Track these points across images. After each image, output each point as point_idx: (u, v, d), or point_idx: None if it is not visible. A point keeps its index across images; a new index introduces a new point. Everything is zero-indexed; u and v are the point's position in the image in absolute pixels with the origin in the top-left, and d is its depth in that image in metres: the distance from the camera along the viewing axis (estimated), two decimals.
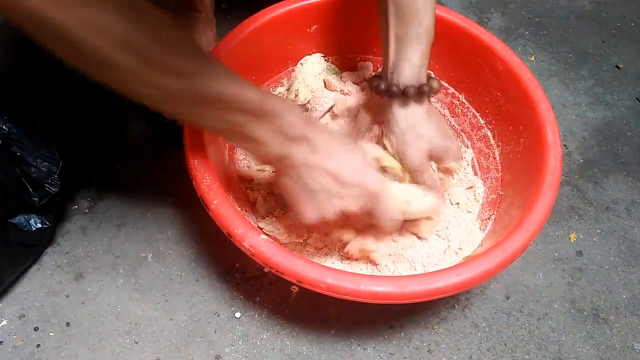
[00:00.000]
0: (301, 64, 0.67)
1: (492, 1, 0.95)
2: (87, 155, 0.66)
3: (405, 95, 0.48)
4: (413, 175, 0.52)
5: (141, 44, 0.32)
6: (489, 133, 0.62)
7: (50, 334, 0.55)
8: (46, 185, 0.56)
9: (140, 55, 0.32)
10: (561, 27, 0.92)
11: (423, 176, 0.51)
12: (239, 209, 0.48)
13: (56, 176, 0.56)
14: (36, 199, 0.55)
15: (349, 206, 0.44)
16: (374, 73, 0.68)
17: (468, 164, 0.64)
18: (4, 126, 0.54)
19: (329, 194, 0.43)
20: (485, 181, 0.62)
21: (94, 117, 0.71)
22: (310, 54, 0.67)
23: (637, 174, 0.73)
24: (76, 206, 0.64)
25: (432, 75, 0.50)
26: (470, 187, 0.61)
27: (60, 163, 0.57)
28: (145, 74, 0.33)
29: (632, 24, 0.93)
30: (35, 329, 0.55)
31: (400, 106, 0.49)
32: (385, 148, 0.53)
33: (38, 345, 0.54)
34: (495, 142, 0.61)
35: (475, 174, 0.63)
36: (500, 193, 0.58)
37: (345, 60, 0.70)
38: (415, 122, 0.50)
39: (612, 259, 0.64)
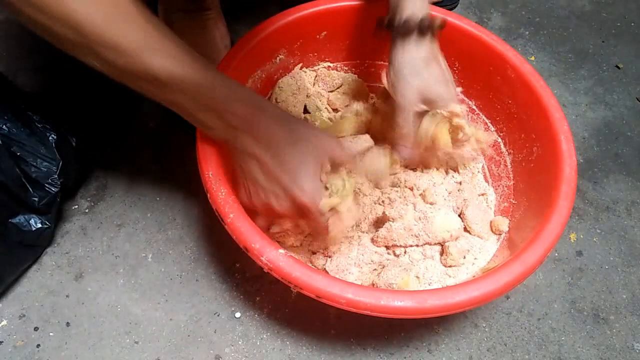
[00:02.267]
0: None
1: (492, 1, 0.95)
2: (87, 155, 0.66)
3: (406, 28, 0.48)
4: (398, 111, 0.51)
5: (78, 19, 0.33)
6: (499, 140, 0.62)
7: (50, 334, 0.55)
8: (46, 185, 0.56)
9: (78, 30, 0.33)
10: (561, 27, 0.92)
11: (408, 115, 0.50)
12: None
13: (56, 176, 0.56)
14: (36, 199, 0.55)
15: (273, 204, 0.43)
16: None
17: (479, 171, 0.63)
18: (4, 126, 0.54)
19: (258, 185, 0.43)
20: (496, 189, 0.61)
21: (94, 117, 0.72)
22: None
23: (637, 174, 0.73)
24: (76, 206, 0.64)
25: (437, 18, 0.50)
26: (482, 194, 0.60)
27: (60, 163, 0.57)
28: (85, 47, 0.35)
29: (632, 24, 0.93)
30: (35, 329, 0.55)
31: (402, 40, 0.50)
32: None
33: (38, 345, 0.54)
34: (507, 150, 0.61)
35: (486, 181, 0.63)
36: (513, 202, 0.57)
37: (353, 66, 0.69)
38: (415, 59, 0.50)
39: (612, 259, 0.64)
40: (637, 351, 0.57)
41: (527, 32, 0.90)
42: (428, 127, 0.52)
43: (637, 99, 0.82)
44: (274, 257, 0.41)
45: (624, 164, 0.74)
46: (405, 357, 0.55)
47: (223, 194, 0.44)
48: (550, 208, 0.47)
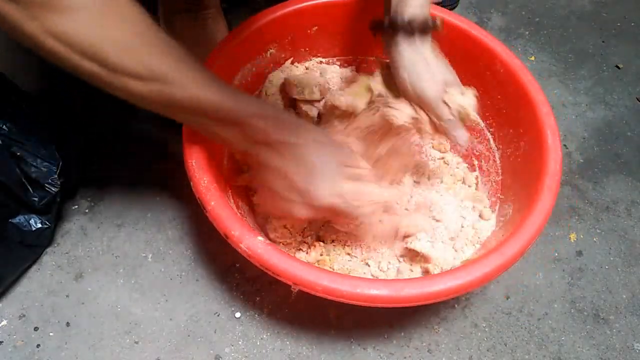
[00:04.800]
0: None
1: (492, 1, 0.95)
2: (87, 155, 0.66)
3: (411, 28, 0.48)
4: (433, 111, 0.50)
5: (102, 52, 0.34)
6: (489, 135, 0.62)
7: (50, 334, 0.55)
8: (46, 185, 0.56)
9: (102, 63, 0.34)
10: (561, 27, 0.92)
11: (443, 110, 0.49)
12: (237, 210, 0.48)
13: (56, 176, 0.56)
14: (36, 199, 0.55)
15: (294, 212, 0.44)
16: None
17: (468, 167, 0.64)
18: (4, 126, 0.54)
19: (276, 195, 0.44)
20: (485, 184, 0.62)
21: (94, 117, 0.72)
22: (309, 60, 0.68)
23: (637, 174, 0.73)
24: (76, 206, 0.64)
25: (437, 18, 0.50)
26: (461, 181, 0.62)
27: (60, 163, 0.57)
28: (110, 78, 0.36)
29: (632, 24, 0.93)
30: (35, 329, 0.55)
31: (407, 39, 0.49)
32: (392, 91, 0.52)
33: (38, 345, 0.54)
34: (496, 145, 0.61)
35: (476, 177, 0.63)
36: (500, 197, 0.58)
37: (345, 61, 0.69)
38: (425, 56, 0.49)
39: (612, 259, 0.64)
40: (637, 351, 0.57)
41: (527, 32, 0.90)
42: (462, 102, 0.50)
43: (637, 99, 0.82)
44: (253, 244, 0.42)
45: (624, 164, 0.74)
46: (405, 357, 0.55)
47: (205, 182, 0.45)
48: (533, 201, 0.47)
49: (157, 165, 0.68)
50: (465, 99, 0.49)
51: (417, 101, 0.50)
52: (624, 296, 0.61)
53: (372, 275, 0.54)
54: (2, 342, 0.54)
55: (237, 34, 0.57)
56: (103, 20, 0.33)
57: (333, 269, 0.54)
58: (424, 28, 0.48)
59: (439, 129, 0.51)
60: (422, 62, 0.49)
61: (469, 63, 0.61)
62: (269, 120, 0.42)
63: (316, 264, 0.53)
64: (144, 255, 0.61)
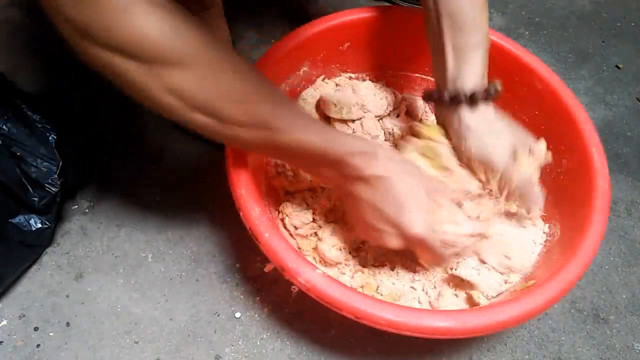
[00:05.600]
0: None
1: (492, 1, 0.95)
2: (87, 155, 0.66)
3: (475, 100, 0.47)
4: (502, 178, 0.49)
5: (217, 106, 0.36)
6: None
7: (50, 334, 0.55)
8: (46, 185, 0.56)
9: (215, 116, 0.37)
10: (561, 27, 0.92)
11: (514, 175, 0.48)
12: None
13: (56, 176, 0.56)
14: (36, 199, 0.55)
15: (387, 243, 0.44)
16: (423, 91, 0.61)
17: None
18: (4, 126, 0.54)
19: (369, 226, 0.44)
20: None
21: (95, 117, 0.72)
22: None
23: (637, 174, 0.73)
24: (76, 206, 0.64)
25: (496, 82, 0.49)
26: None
27: (60, 163, 0.57)
28: (221, 128, 0.38)
29: (632, 24, 0.93)
30: (35, 329, 0.55)
31: (469, 111, 0.48)
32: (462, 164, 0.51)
33: (38, 345, 0.54)
34: None
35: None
36: (542, 214, 0.56)
37: (375, 76, 0.69)
38: (490, 122, 0.48)
39: (612, 259, 0.64)
40: (637, 351, 0.57)
41: (527, 32, 0.90)
42: (529, 171, 0.49)
43: (637, 99, 0.82)
44: (311, 277, 0.41)
45: (624, 164, 0.74)
46: (405, 357, 0.55)
47: (257, 212, 0.44)
48: (586, 223, 0.46)
49: (157, 165, 0.68)
50: (533, 162, 0.49)
51: (485, 169, 0.49)
52: (624, 296, 0.61)
53: (420, 302, 0.53)
54: (2, 342, 0.54)
55: (272, 55, 0.56)
56: (215, 74, 0.35)
57: (382, 295, 0.52)
58: (487, 97, 0.48)
59: (509, 196, 0.50)
60: (487, 130, 0.48)
61: (504, 78, 0.59)
62: (363, 156, 0.42)
63: (360, 289, 0.52)
64: (144, 255, 0.61)
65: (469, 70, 0.48)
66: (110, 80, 0.34)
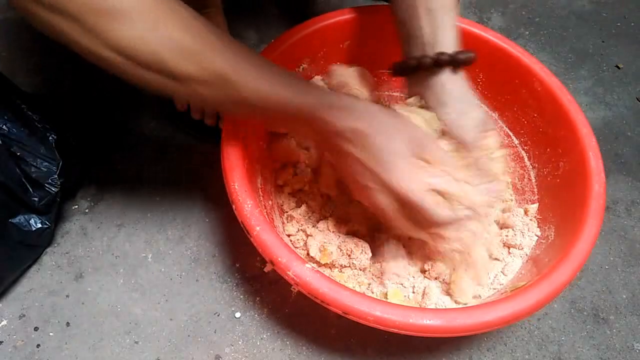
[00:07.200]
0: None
1: (492, 1, 0.95)
2: (87, 155, 0.66)
3: (456, 62, 0.46)
4: (473, 149, 0.47)
5: (166, 61, 0.34)
6: (523, 154, 0.61)
7: (50, 334, 0.55)
8: (46, 185, 0.56)
9: (168, 73, 0.35)
10: (561, 27, 0.92)
11: (478, 153, 0.47)
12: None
13: (56, 176, 0.56)
14: (36, 199, 0.55)
15: (380, 203, 0.42)
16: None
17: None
18: (4, 126, 0.54)
19: (360, 185, 0.43)
20: (520, 203, 0.61)
21: (95, 117, 0.72)
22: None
23: (637, 174, 0.73)
24: (76, 206, 0.64)
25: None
26: (505, 210, 0.60)
27: (60, 163, 0.57)
28: (178, 87, 0.36)
29: (632, 24, 0.93)
30: (35, 329, 0.55)
31: (451, 74, 0.47)
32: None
33: (38, 345, 0.54)
34: (531, 164, 0.60)
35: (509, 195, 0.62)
36: (538, 217, 0.57)
37: (376, 75, 0.68)
38: (466, 91, 0.48)
39: (612, 259, 0.64)
40: (637, 351, 0.57)
41: (527, 32, 0.90)
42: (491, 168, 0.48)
43: (637, 99, 0.82)
44: (301, 271, 0.41)
45: (624, 164, 0.74)
46: (405, 357, 0.55)
47: (249, 206, 0.44)
48: (579, 226, 0.46)
49: (157, 165, 0.68)
50: (496, 164, 0.48)
51: (458, 137, 0.48)
52: (624, 296, 0.61)
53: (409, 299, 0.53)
54: (2, 342, 0.54)
55: (271, 51, 0.56)
56: (158, 25, 0.33)
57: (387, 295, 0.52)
58: (467, 59, 0.47)
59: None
60: (465, 99, 0.48)
61: (504, 80, 0.61)
62: (339, 110, 0.40)
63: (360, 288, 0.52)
64: (144, 255, 0.61)
65: (447, 34, 0.47)
66: (59, 42, 0.33)
